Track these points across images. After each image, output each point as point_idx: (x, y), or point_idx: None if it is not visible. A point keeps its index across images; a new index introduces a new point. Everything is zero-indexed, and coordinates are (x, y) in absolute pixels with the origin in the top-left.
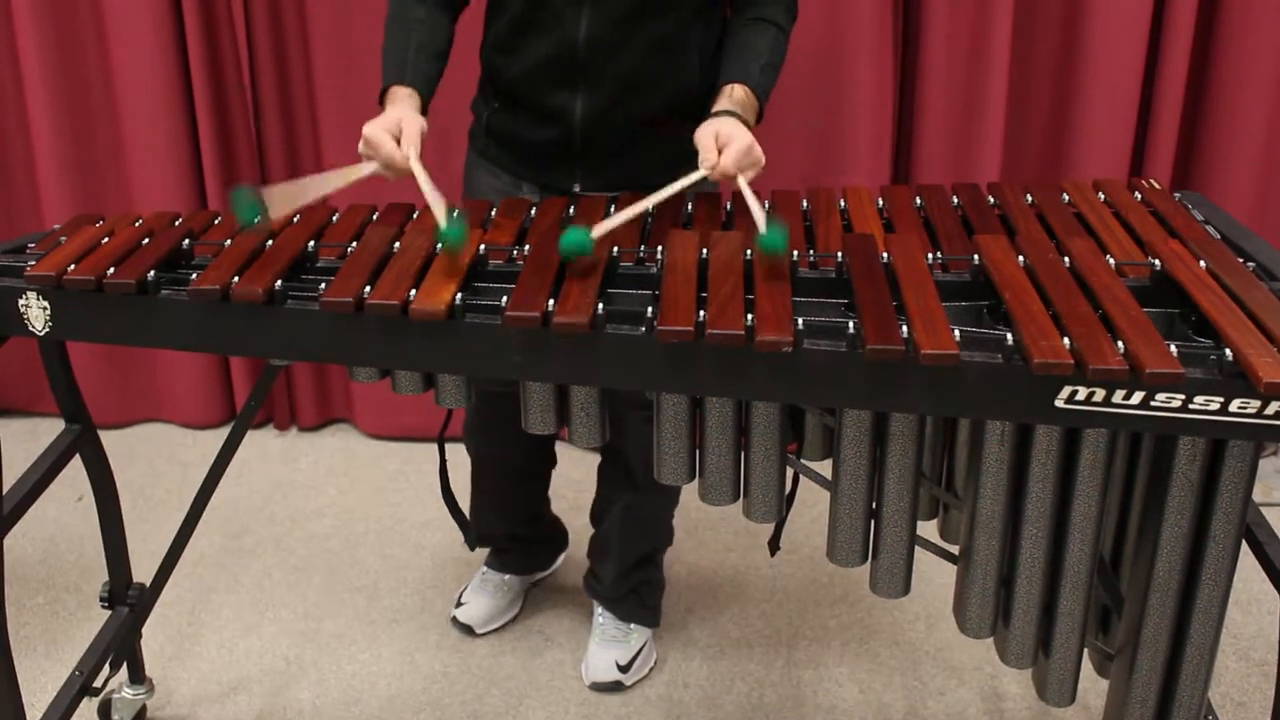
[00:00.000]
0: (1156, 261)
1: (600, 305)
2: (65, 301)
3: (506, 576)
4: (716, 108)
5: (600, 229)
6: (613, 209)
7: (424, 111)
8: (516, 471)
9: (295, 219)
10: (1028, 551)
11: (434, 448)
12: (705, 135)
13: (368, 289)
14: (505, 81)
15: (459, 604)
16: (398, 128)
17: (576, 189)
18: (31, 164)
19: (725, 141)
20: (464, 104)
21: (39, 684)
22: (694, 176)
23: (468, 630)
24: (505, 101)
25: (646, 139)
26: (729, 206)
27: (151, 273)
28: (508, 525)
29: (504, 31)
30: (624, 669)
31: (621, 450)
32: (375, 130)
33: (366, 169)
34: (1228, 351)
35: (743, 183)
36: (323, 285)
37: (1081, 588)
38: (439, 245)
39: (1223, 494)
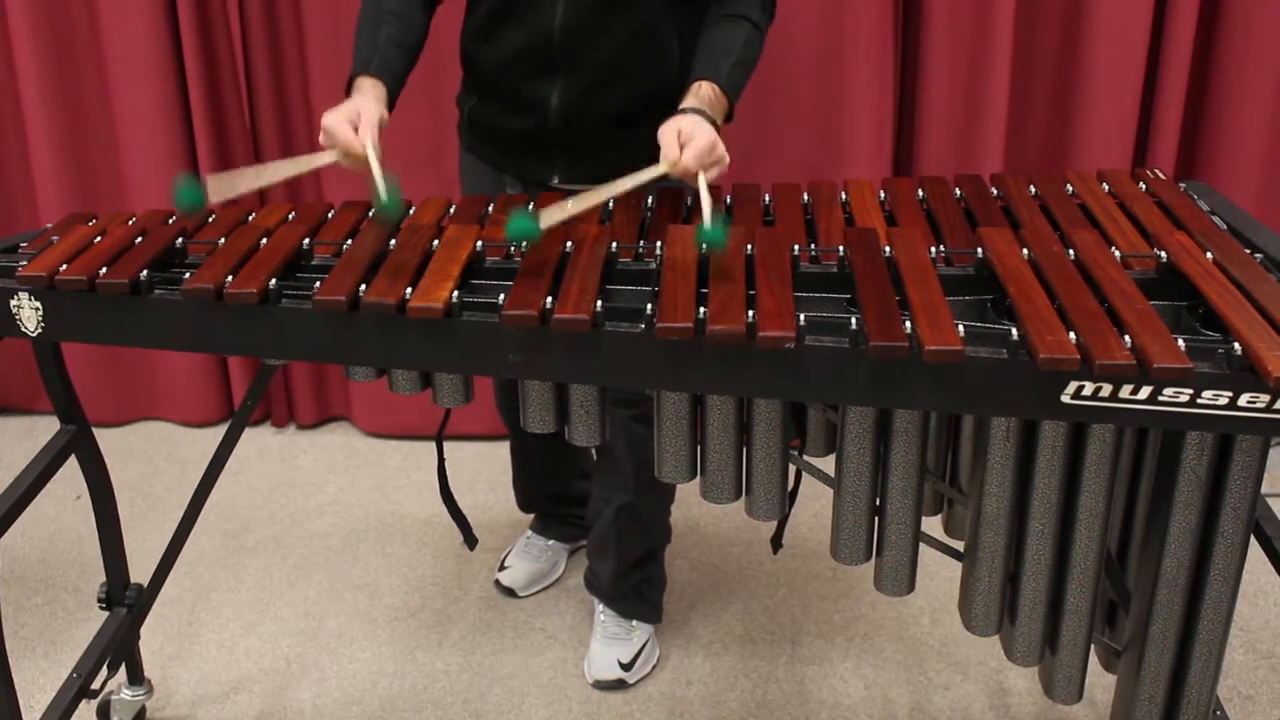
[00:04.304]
0: (1162, 253)
1: (599, 303)
2: (57, 302)
3: (550, 542)
4: (683, 105)
5: (550, 217)
6: (570, 204)
7: (390, 103)
8: (552, 435)
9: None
10: (1034, 548)
11: (434, 445)
12: (668, 132)
13: (363, 287)
14: (483, 71)
15: (502, 567)
16: (356, 116)
17: (555, 181)
18: (27, 162)
19: (687, 139)
20: (453, 103)
21: (38, 685)
22: (655, 171)
23: (509, 593)
24: (484, 92)
25: (626, 132)
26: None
27: (144, 272)
28: (550, 486)
29: (482, 19)
30: (627, 666)
31: (609, 449)
32: (333, 119)
33: (326, 158)
34: (1236, 345)
35: (702, 181)
36: (317, 284)
37: (1088, 584)
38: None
39: (1231, 489)
